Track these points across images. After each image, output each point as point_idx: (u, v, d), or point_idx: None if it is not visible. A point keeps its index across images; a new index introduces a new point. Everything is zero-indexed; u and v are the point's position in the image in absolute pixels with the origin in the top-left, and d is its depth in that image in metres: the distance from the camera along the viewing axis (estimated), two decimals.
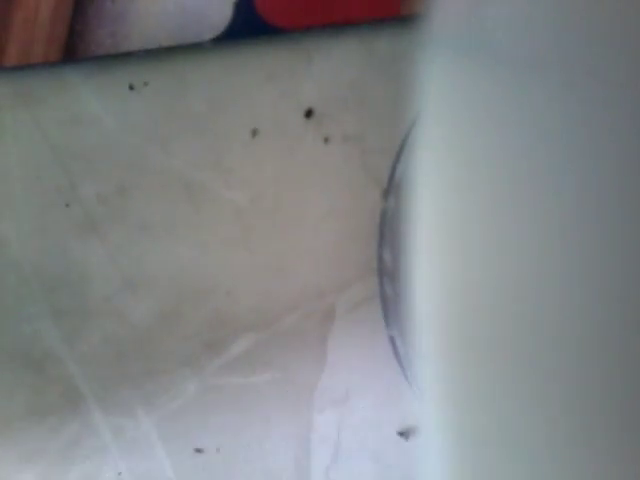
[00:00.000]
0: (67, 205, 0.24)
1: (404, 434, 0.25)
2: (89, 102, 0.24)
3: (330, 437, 0.26)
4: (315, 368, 0.25)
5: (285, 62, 0.25)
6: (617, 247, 0.11)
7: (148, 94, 0.24)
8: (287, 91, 0.25)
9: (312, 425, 0.25)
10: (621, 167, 0.11)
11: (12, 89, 0.24)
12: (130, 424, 0.25)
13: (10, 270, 0.24)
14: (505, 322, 0.12)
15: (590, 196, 0.11)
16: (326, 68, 0.25)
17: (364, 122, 0.25)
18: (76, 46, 0.24)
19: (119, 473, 0.25)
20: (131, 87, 0.24)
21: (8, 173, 0.24)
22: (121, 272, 0.25)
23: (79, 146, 0.24)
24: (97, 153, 0.24)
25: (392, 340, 0.23)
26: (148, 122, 0.24)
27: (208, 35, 0.24)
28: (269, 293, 0.25)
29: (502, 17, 0.13)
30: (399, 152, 0.22)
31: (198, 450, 0.25)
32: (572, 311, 0.11)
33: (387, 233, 0.23)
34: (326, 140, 0.25)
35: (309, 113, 0.25)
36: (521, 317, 0.12)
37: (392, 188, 0.23)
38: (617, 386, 0.11)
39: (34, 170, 0.24)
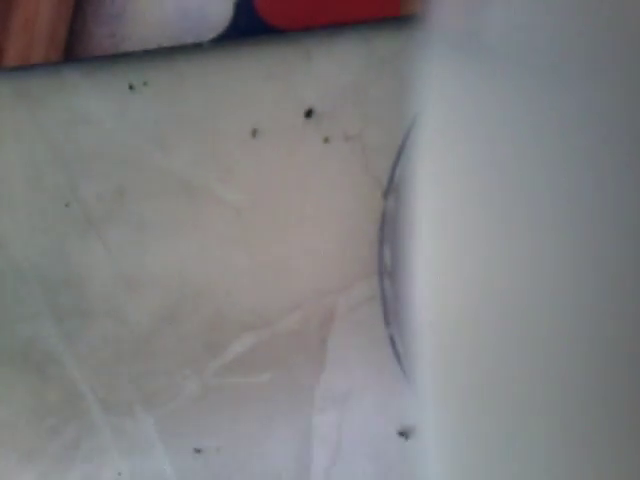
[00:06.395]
0: (67, 205, 0.25)
1: (404, 434, 0.25)
2: (89, 102, 0.24)
3: (330, 437, 0.26)
4: (315, 368, 0.25)
5: (285, 62, 0.25)
6: (616, 246, 0.11)
7: (148, 94, 0.24)
8: (287, 91, 0.25)
9: (312, 425, 0.25)
10: (618, 166, 0.11)
11: (12, 89, 0.24)
12: (130, 424, 0.25)
13: (10, 270, 0.24)
14: (504, 322, 0.12)
15: (589, 195, 0.11)
16: (326, 68, 0.25)
17: (364, 122, 0.25)
18: (76, 46, 0.24)
19: (119, 473, 0.25)
20: (131, 87, 0.24)
21: (8, 173, 0.24)
22: (121, 272, 0.25)
23: (79, 146, 0.24)
24: (97, 153, 0.24)
25: (392, 340, 0.23)
26: (148, 122, 0.24)
27: (208, 35, 0.24)
28: (269, 293, 0.25)
29: (501, 18, 0.13)
30: (399, 152, 0.22)
31: (198, 450, 0.25)
32: (572, 311, 0.11)
33: (387, 233, 0.23)
34: (326, 140, 0.25)
35: (309, 113, 0.25)
36: (520, 317, 0.12)
37: (392, 188, 0.23)
38: (617, 389, 0.11)
39: (34, 170, 0.24)
